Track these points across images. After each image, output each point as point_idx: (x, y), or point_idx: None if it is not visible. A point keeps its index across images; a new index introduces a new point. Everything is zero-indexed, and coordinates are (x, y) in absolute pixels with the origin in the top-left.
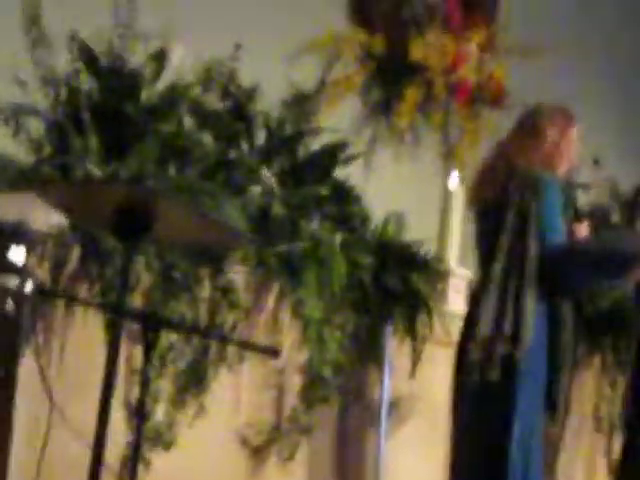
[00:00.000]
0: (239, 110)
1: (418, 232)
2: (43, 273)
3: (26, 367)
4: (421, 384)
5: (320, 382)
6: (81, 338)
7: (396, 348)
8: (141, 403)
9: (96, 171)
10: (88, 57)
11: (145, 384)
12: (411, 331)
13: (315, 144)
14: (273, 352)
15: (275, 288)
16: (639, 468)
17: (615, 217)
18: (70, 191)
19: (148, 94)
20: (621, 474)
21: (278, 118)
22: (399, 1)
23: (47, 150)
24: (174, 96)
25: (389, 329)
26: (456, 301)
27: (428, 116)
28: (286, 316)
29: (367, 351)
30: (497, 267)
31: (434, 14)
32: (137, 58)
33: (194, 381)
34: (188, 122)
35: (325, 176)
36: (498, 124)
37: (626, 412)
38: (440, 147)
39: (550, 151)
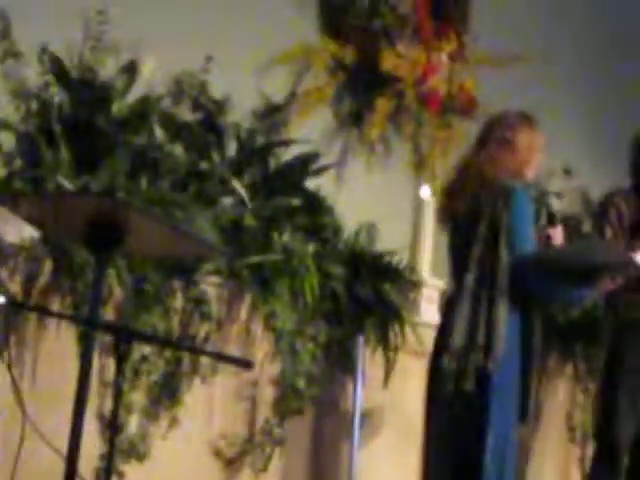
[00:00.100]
0: (210, 122)
1: (390, 242)
2: (15, 286)
3: None
4: (394, 394)
5: (293, 393)
6: (54, 351)
7: (369, 358)
8: (114, 415)
9: (67, 184)
10: (59, 70)
11: (118, 396)
12: (384, 341)
13: (286, 155)
14: (246, 364)
15: (247, 300)
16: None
17: (586, 226)
18: (42, 204)
19: (119, 106)
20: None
21: (249, 129)
22: (370, 12)
23: (18, 163)
24: (145, 108)
25: (361, 339)
26: (429, 311)
27: (399, 126)
28: (259, 328)
29: (340, 362)
30: (470, 278)
31: (405, 25)
32: (108, 71)
33: (167, 393)
34: (159, 134)
35: (296, 187)
36: (469, 134)
37: (595, 420)
38: (411, 157)
39: (519, 159)
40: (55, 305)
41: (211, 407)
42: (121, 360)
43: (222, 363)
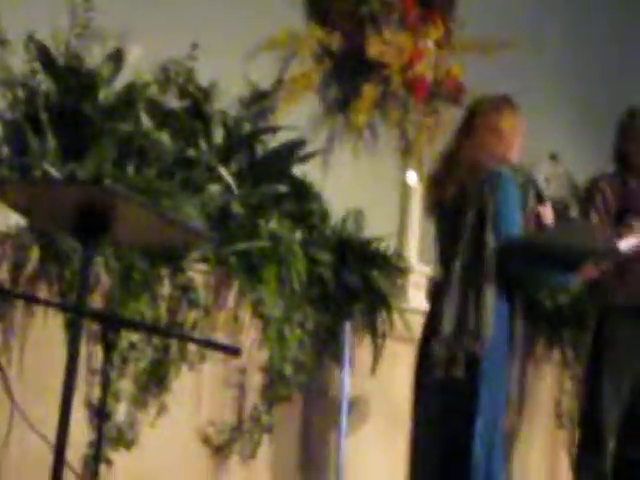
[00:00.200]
0: (197, 109)
1: (377, 229)
2: (2, 274)
3: None
4: (382, 380)
5: (281, 380)
6: (41, 338)
7: (357, 345)
8: (102, 403)
9: (54, 172)
10: (45, 58)
11: (106, 384)
12: (371, 328)
13: (273, 142)
14: (234, 351)
15: (235, 287)
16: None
17: (574, 212)
18: (28, 192)
19: (106, 94)
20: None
21: (236, 116)
22: None
23: (5, 151)
24: (131, 96)
25: (348, 326)
26: (416, 297)
27: (386, 113)
28: (246, 314)
29: (328, 348)
30: (458, 264)
31: (391, 11)
32: (94, 58)
33: (155, 380)
34: (146, 121)
35: (283, 174)
36: (456, 120)
37: (580, 406)
38: (398, 143)
39: (504, 144)
40: (42, 293)
41: (199, 394)
42: (109, 348)
43: (210, 350)
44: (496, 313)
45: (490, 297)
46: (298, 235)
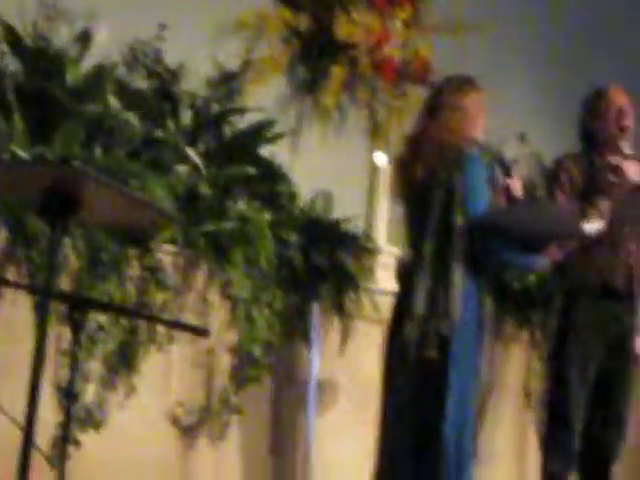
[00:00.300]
0: (165, 90)
1: (346, 210)
2: None
3: None
4: (351, 361)
5: (250, 361)
6: (9, 320)
7: (327, 326)
8: (70, 384)
9: (22, 153)
10: (12, 38)
11: (74, 365)
12: (339, 308)
13: (241, 123)
14: (202, 331)
15: (203, 268)
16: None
17: (542, 192)
18: None
19: (73, 75)
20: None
21: (204, 97)
22: None
23: None
24: (99, 77)
25: (316, 307)
26: (384, 278)
27: (354, 94)
28: (215, 296)
29: (297, 330)
30: (428, 245)
31: None
32: (62, 39)
33: (124, 362)
34: (114, 103)
35: (251, 155)
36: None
37: (546, 386)
38: (367, 125)
39: (469, 123)
40: (11, 274)
41: (168, 375)
42: (77, 329)
43: (178, 331)
44: (465, 293)
45: (458, 277)
46: (266, 216)
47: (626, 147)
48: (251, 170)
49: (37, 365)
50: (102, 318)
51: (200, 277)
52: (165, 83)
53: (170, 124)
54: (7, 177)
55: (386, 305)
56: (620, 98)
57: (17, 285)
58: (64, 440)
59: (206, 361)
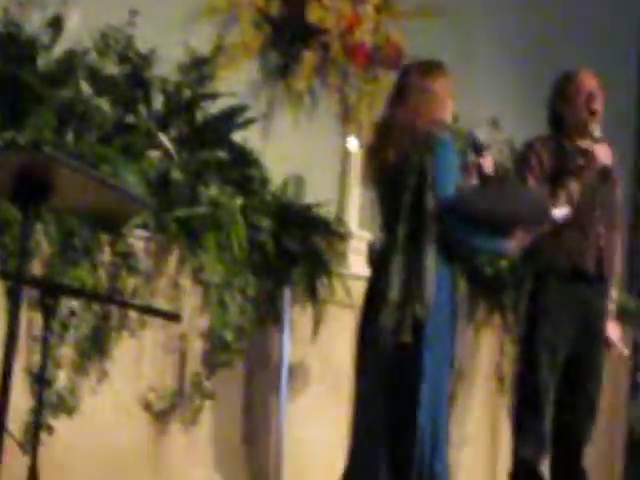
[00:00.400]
0: (136, 75)
1: (318, 194)
2: None
3: None
4: (323, 346)
5: (222, 346)
6: None
7: (299, 311)
8: (42, 369)
9: None
10: None
11: (46, 351)
12: (311, 293)
13: (213, 108)
14: (174, 317)
15: (175, 253)
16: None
17: (512, 176)
18: None
19: (45, 61)
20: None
21: (175, 83)
22: None
23: None
24: (71, 62)
25: (288, 292)
26: (357, 263)
27: (326, 79)
28: (187, 281)
29: (269, 315)
30: (401, 229)
31: None
32: (33, 25)
33: (96, 347)
34: (85, 88)
35: (223, 140)
36: None
37: (516, 369)
38: (339, 109)
39: (438, 107)
40: None
41: (140, 361)
42: (49, 315)
43: (150, 316)
44: (438, 276)
45: (430, 260)
46: (238, 201)
47: (596, 130)
48: (223, 155)
49: (9, 351)
50: (74, 304)
51: (172, 262)
52: (137, 68)
53: (142, 109)
54: None
55: (358, 290)
56: (590, 82)
57: None
58: (36, 426)
59: (178, 346)
